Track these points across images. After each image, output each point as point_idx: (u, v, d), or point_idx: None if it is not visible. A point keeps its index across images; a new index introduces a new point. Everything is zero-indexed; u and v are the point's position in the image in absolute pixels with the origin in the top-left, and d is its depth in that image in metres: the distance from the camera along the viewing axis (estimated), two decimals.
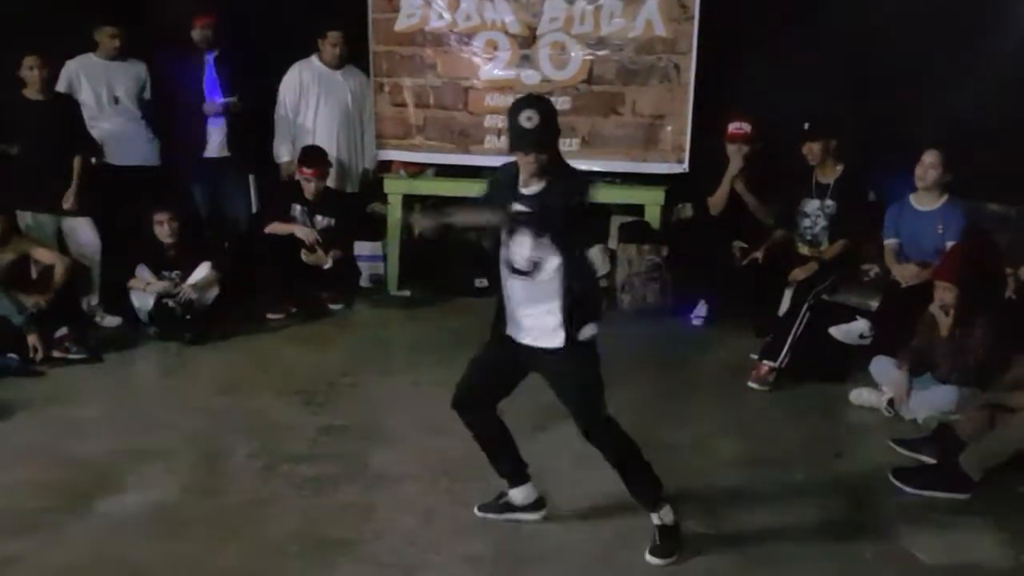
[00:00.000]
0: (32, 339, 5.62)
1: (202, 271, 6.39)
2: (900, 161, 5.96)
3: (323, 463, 4.49)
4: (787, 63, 6.58)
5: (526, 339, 3.63)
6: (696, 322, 6.67)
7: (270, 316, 6.65)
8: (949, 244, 5.60)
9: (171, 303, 6.20)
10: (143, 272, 6.35)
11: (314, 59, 7.27)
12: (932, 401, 5.03)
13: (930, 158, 5.72)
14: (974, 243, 5.55)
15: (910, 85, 6.47)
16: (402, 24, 7.15)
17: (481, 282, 7.34)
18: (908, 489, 4.30)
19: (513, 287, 3.61)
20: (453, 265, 7.47)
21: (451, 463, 4.46)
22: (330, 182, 7.08)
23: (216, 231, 7.15)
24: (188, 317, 6.20)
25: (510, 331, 3.66)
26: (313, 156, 6.90)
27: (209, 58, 7.03)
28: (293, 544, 3.79)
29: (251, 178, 7.42)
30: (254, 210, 7.36)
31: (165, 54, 7.00)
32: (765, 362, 5.59)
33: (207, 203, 7.23)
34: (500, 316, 3.70)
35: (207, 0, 7.08)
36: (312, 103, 7.26)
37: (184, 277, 6.35)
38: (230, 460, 4.61)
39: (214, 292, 6.40)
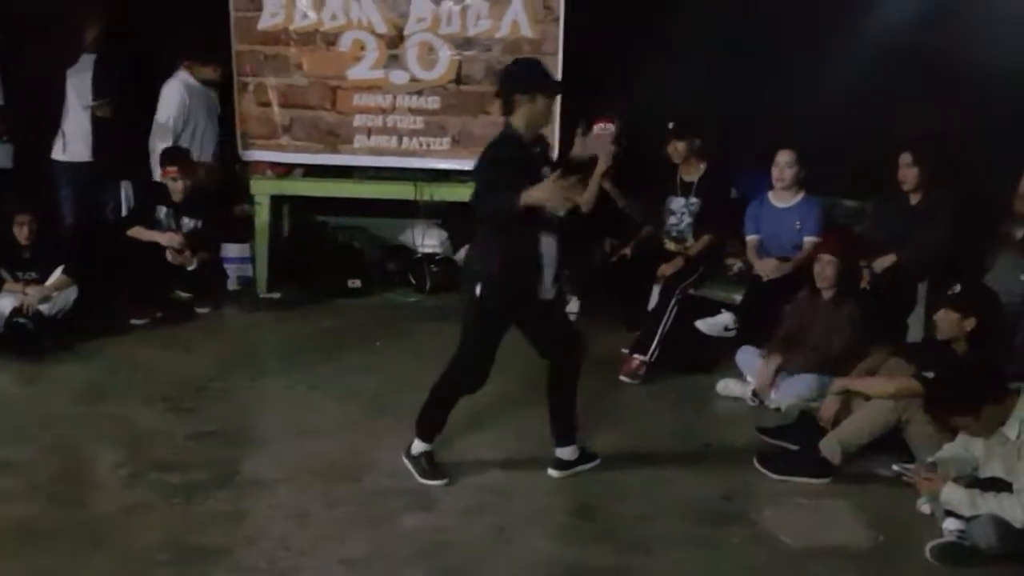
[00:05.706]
0: None
1: (56, 274, 6.15)
2: (759, 159, 6.16)
3: (192, 470, 4.38)
4: (651, 64, 6.72)
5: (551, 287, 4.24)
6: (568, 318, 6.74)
7: (134, 321, 6.45)
8: (807, 239, 5.82)
9: (21, 320, 5.93)
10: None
11: (189, 78, 7.07)
12: (794, 389, 5.20)
13: (784, 157, 5.94)
14: (841, 232, 5.78)
15: (769, 86, 6.68)
16: (265, 23, 7.01)
17: (354, 283, 7.28)
18: (772, 475, 4.45)
19: (550, 245, 4.20)
20: (325, 266, 7.39)
21: (324, 465, 4.42)
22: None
23: (79, 235, 6.90)
24: (40, 328, 5.92)
25: (543, 294, 4.21)
26: (174, 155, 6.72)
27: (89, 60, 6.82)
28: (163, 553, 3.71)
29: (127, 184, 7.19)
30: (123, 215, 7.14)
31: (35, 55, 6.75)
32: (636, 356, 5.70)
33: (73, 207, 6.98)
34: (533, 285, 4.17)
35: (88, 2, 6.85)
36: (193, 116, 7.07)
37: (41, 280, 6.11)
38: (95, 470, 4.48)
39: (71, 296, 6.16)
